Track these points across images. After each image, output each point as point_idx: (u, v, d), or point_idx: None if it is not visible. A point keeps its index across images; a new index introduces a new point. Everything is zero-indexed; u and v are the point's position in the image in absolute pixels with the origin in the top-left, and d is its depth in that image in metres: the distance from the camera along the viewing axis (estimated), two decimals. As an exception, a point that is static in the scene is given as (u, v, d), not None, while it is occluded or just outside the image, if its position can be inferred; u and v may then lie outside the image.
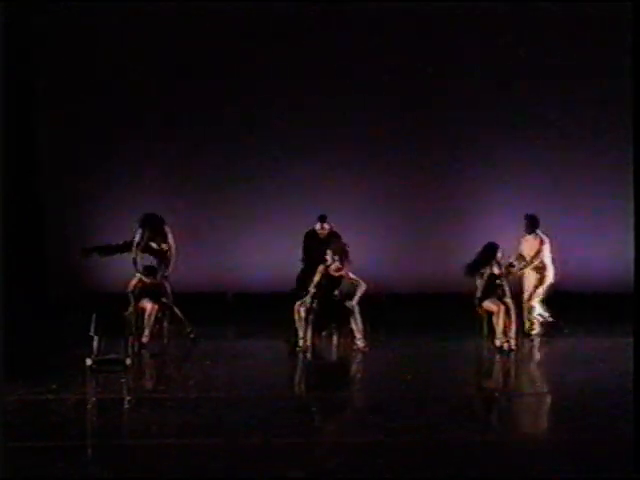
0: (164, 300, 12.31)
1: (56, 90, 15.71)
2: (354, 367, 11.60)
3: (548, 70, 15.52)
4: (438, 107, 15.70)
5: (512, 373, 11.46)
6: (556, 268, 12.77)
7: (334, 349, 12.44)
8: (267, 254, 12.78)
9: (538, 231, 12.81)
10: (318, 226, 13.13)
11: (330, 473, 6.95)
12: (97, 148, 15.82)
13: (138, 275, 12.30)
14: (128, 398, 9.70)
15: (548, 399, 9.91)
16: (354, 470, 7.03)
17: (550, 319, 12.77)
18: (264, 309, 12.73)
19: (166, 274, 12.55)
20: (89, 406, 9.28)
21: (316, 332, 12.20)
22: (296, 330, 12.16)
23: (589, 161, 15.63)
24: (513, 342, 11.88)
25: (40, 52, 15.77)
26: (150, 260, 12.66)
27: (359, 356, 11.92)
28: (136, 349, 11.49)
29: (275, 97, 15.70)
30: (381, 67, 15.63)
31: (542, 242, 12.72)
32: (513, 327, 11.93)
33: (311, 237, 13.13)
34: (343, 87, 15.70)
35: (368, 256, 13.70)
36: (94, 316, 10.80)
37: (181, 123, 15.79)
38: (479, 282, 12.08)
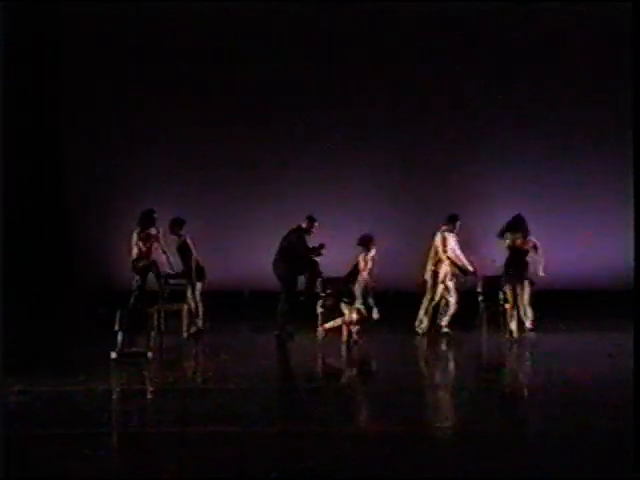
0: None
1: (81, 93, 16.12)
2: (364, 360, 11.80)
3: (551, 74, 15.79)
4: (441, 109, 15.93)
5: (510, 369, 11.64)
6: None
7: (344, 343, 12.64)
8: None
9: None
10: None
11: (342, 461, 7.08)
12: (120, 151, 16.22)
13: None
14: (150, 389, 9.95)
15: (547, 397, 9.83)
16: (365, 460, 7.19)
17: None
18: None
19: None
20: (114, 396, 9.58)
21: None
22: (283, 323, 12.57)
23: (590, 162, 15.85)
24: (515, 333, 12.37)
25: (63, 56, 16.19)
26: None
27: (368, 349, 12.23)
28: (157, 343, 11.83)
29: (291, 102, 16.08)
30: (383, 69, 15.93)
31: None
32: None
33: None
34: (352, 91, 16.04)
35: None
36: (119, 312, 11.11)
37: (200, 125, 16.09)
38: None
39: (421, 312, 13.21)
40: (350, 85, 16.03)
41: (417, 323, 13.23)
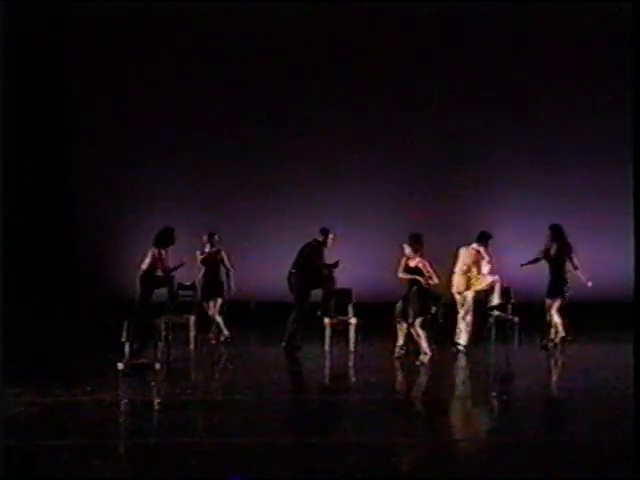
0: None
1: (83, 93, 16.25)
2: (372, 371, 11.69)
3: (551, 75, 15.91)
4: (448, 120, 16.01)
5: (516, 377, 11.78)
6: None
7: (351, 354, 12.80)
8: (289, 265, 13.06)
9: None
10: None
11: (350, 470, 7.14)
12: (129, 162, 16.32)
13: None
14: (157, 400, 10.01)
15: (550, 401, 10.21)
16: (369, 469, 7.23)
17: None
18: (285, 317, 12.89)
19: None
20: (121, 407, 9.60)
21: None
22: (291, 335, 12.58)
23: (594, 175, 15.98)
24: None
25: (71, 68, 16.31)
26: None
27: (378, 360, 12.29)
28: (165, 354, 11.88)
29: (304, 115, 16.17)
30: (386, 79, 16.04)
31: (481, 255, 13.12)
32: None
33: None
34: (362, 102, 16.13)
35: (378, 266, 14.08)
36: (126, 323, 11.13)
37: (209, 139, 16.22)
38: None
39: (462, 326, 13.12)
40: (370, 94, 16.12)
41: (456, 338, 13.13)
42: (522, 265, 13.05)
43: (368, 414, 9.32)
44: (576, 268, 12.88)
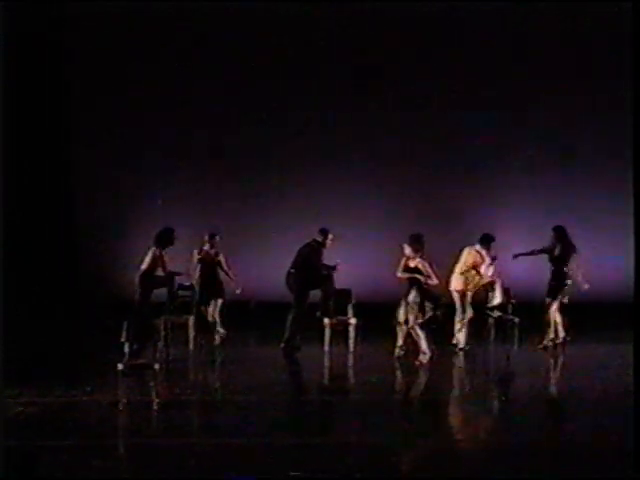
0: None
1: (83, 93, 16.30)
2: (372, 371, 11.67)
3: (552, 75, 15.94)
4: (448, 120, 16.06)
5: (516, 377, 11.83)
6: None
7: (351, 354, 12.83)
8: (288, 265, 13.08)
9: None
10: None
11: (350, 470, 7.14)
12: (129, 162, 16.37)
13: None
14: (157, 400, 10.04)
15: (550, 401, 10.27)
16: (369, 469, 7.26)
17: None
18: (285, 317, 12.88)
19: None
20: (121, 407, 9.58)
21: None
22: (290, 336, 12.58)
23: (591, 170, 16.07)
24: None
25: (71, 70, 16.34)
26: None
27: (378, 360, 12.29)
28: (164, 354, 11.91)
29: (304, 115, 16.20)
30: (386, 79, 16.07)
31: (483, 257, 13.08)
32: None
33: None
34: (362, 102, 16.15)
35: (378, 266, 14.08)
36: (125, 323, 11.19)
37: (209, 139, 16.25)
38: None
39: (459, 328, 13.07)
40: (369, 95, 16.16)
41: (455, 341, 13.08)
42: (516, 255, 13.08)
43: (368, 414, 9.30)
44: (578, 267, 12.93)
